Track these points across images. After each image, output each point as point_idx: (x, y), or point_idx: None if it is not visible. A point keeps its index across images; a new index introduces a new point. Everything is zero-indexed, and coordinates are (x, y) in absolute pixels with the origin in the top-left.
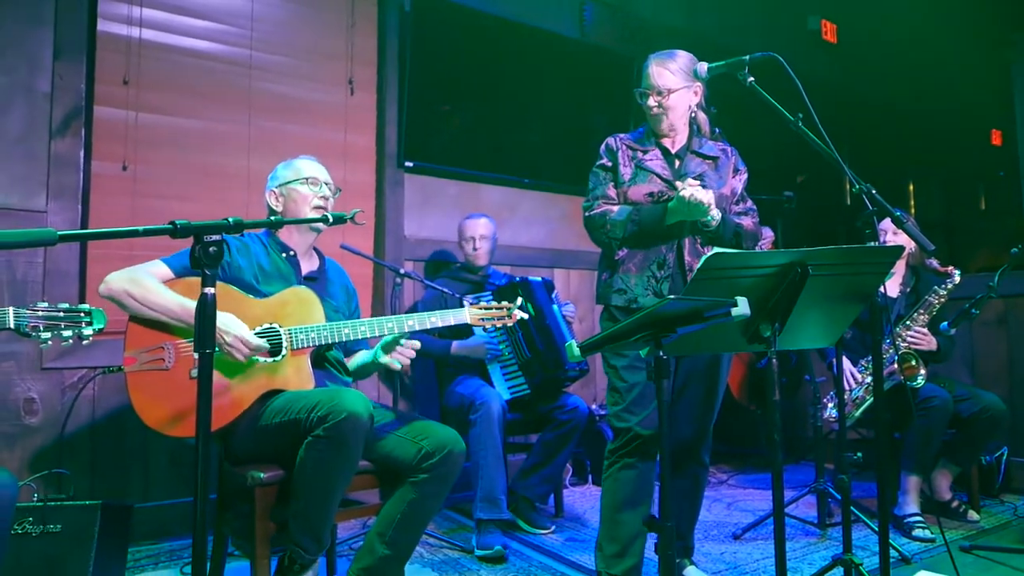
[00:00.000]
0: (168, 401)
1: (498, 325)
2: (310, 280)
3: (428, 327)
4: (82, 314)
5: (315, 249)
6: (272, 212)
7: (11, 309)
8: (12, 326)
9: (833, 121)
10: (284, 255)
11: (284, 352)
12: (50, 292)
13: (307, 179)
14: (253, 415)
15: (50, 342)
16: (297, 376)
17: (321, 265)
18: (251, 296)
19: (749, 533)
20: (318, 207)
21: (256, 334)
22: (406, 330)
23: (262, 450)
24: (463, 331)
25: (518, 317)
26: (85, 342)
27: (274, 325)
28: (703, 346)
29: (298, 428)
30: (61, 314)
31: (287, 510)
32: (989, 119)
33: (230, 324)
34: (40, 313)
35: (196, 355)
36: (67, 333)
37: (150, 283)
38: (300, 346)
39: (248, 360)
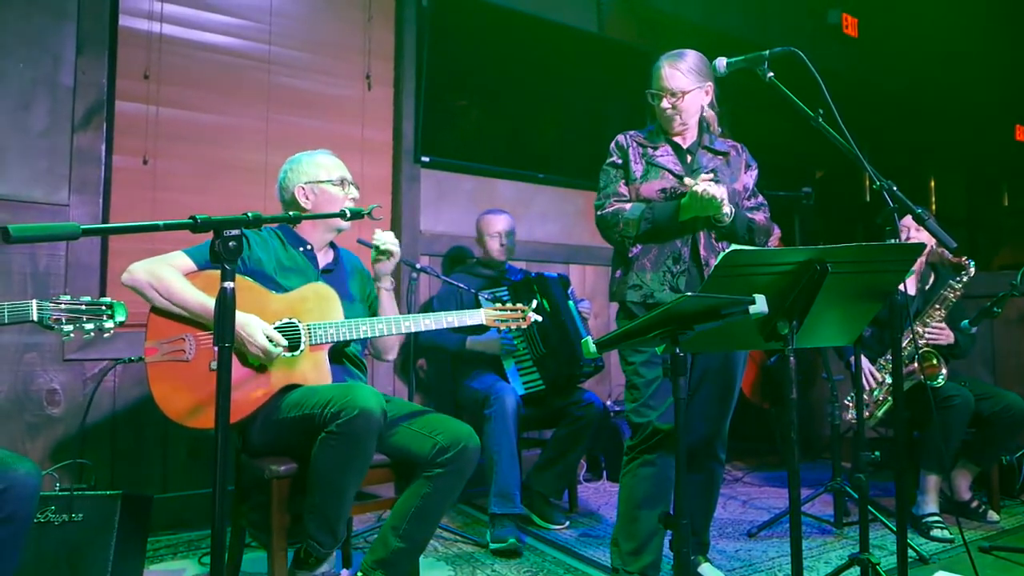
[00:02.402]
0: (188, 393)
1: (512, 327)
2: (327, 272)
3: (444, 327)
4: (103, 307)
5: (331, 243)
6: (295, 206)
7: (34, 302)
8: (35, 319)
9: (853, 116)
10: (301, 249)
11: (303, 347)
12: (72, 284)
13: (340, 181)
14: (270, 408)
15: (72, 335)
16: (315, 371)
17: (336, 256)
18: (272, 291)
19: (764, 531)
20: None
21: (275, 328)
22: (423, 328)
23: (278, 443)
24: (478, 326)
25: (532, 320)
26: (106, 335)
27: (293, 320)
28: (720, 343)
29: (312, 423)
30: (83, 307)
31: (302, 504)
32: (1012, 114)
33: (253, 333)
34: (63, 306)
35: (216, 348)
36: (89, 326)
37: (173, 278)
38: (318, 342)
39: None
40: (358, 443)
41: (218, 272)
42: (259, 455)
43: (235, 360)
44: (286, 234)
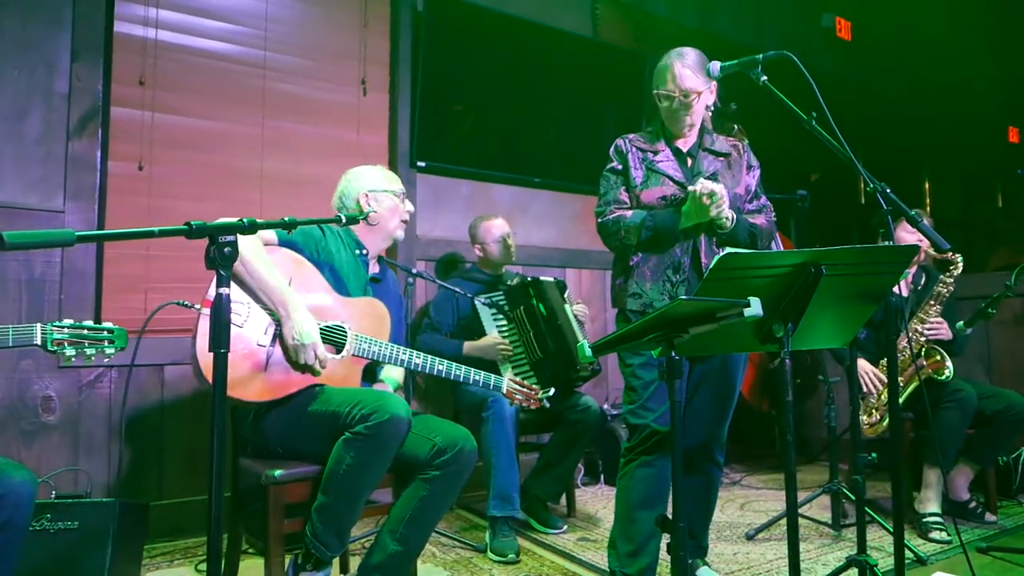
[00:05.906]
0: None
1: (523, 404)
2: (375, 281)
3: (471, 382)
4: (104, 332)
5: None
6: (351, 212)
7: (38, 326)
8: (39, 342)
9: (847, 119)
10: (358, 252)
11: (345, 353)
12: (67, 291)
13: (402, 194)
14: (292, 401)
15: (74, 359)
16: (345, 379)
17: (382, 269)
18: (333, 289)
19: (763, 534)
20: (404, 222)
21: (327, 327)
22: (452, 376)
23: (291, 436)
24: (475, 330)
25: (542, 404)
26: (106, 360)
27: (345, 324)
28: (716, 347)
29: (335, 421)
30: (85, 332)
31: (311, 504)
32: (1006, 116)
33: (316, 345)
34: (66, 331)
35: (212, 354)
36: (90, 351)
37: (260, 249)
38: (360, 354)
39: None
40: (383, 447)
41: (286, 253)
42: (265, 449)
43: (278, 344)
44: (346, 235)
